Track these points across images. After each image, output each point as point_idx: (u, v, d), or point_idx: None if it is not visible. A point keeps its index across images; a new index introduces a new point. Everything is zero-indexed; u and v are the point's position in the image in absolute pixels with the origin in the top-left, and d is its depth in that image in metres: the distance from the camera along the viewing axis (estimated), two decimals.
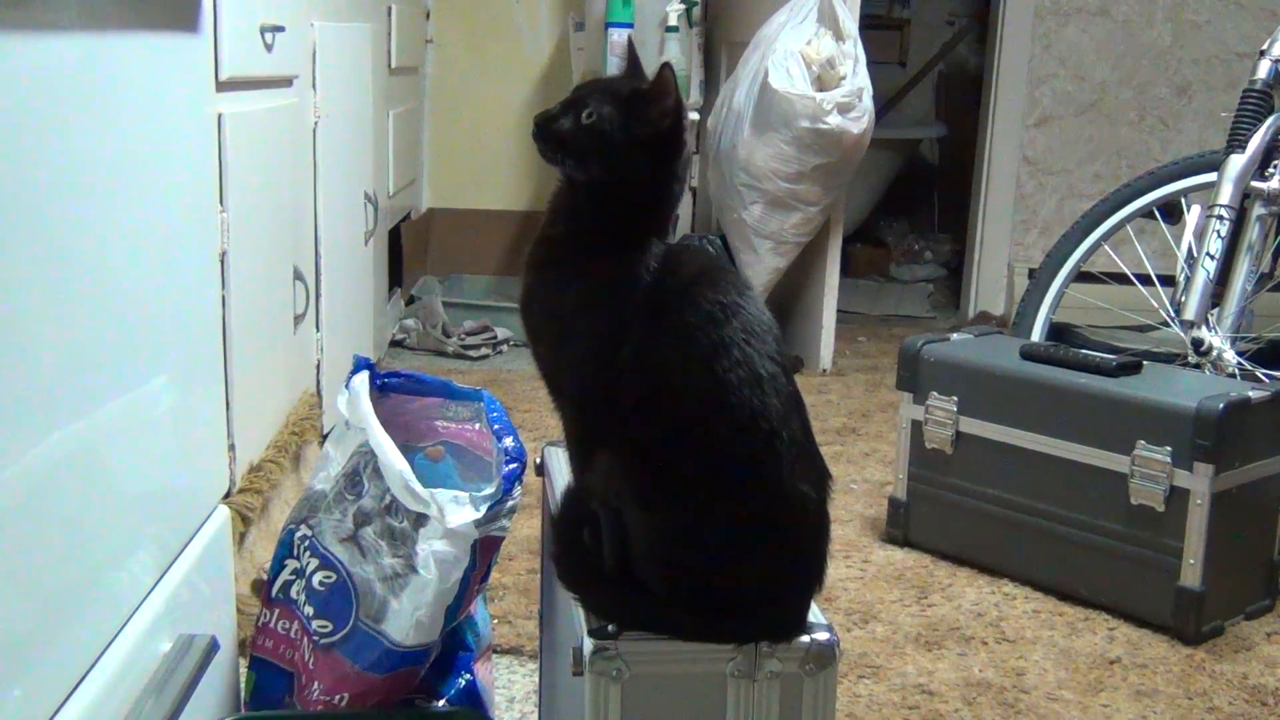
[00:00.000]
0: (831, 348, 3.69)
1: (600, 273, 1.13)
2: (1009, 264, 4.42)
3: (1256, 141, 2.37)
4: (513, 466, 1.34)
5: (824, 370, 3.67)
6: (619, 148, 1.13)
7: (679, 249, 1.17)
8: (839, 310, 3.77)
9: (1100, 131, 4.38)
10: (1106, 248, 2.71)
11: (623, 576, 1.13)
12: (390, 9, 3.39)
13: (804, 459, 1.12)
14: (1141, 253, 2.76)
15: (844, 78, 3.35)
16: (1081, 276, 2.76)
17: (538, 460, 1.44)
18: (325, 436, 2.09)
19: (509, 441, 1.39)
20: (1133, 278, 2.74)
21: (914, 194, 5.62)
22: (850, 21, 3.39)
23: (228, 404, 1.77)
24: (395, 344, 3.68)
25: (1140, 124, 4.37)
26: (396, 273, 3.68)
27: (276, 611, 1.46)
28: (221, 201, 1.76)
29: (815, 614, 1.14)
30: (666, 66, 1.14)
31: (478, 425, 1.51)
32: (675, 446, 1.08)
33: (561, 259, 1.17)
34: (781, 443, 1.09)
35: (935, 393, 2.33)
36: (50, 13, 1.01)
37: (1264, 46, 2.49)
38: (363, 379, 1.49)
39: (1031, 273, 2.86)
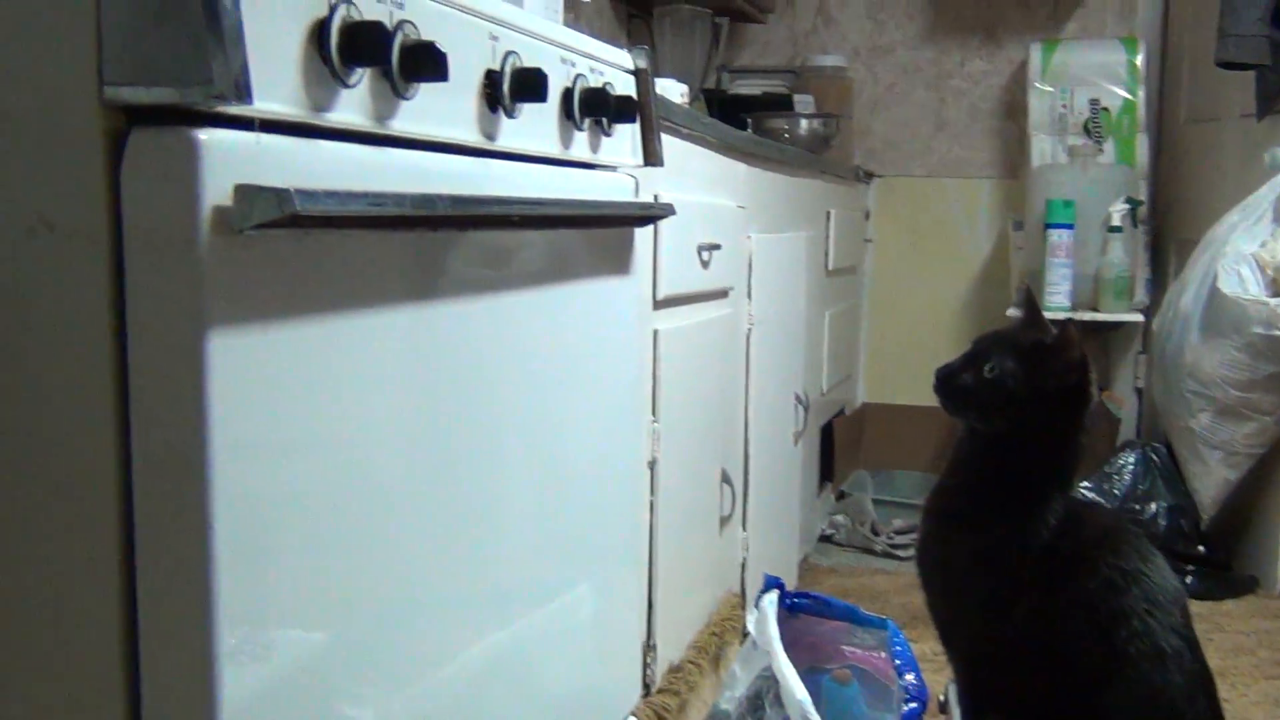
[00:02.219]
0: None
1: (997, 530, 1.11)
2: None
3: None
4: (912, 706, 1.33)
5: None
6: (1022, 402, 1.12)
7: (1081, 506, 1.14)
8: None
9: None
10: None
11: None
12: (829, 214, 3.50)
13: None
14: None
15: None
16: None
17: (942, 697, 1.42)
18: (746, 634, 2.13)
19: (910, 678, 1.38)
20: None
21: None
22: None
23: (650, 605, 1.85)
24: (824, 539, 3.70)
25: None
26: (828, 467, 3.72)
27: None
28: (654, 412, 1.86)
29: None
30: (1070, 323, 1.13)
31: (883, 653, 1.51)
32: (1067, 718, 1.04)
33: (959, 511, 1.17)
34: None
35: None
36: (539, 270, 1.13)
37: None
38: (772, 599, 1.53)
39: None
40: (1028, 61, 4.08)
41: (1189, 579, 3.30)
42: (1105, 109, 3.98)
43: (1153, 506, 3.43)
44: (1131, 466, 3.48)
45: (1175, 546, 3.35)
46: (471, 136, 1.09)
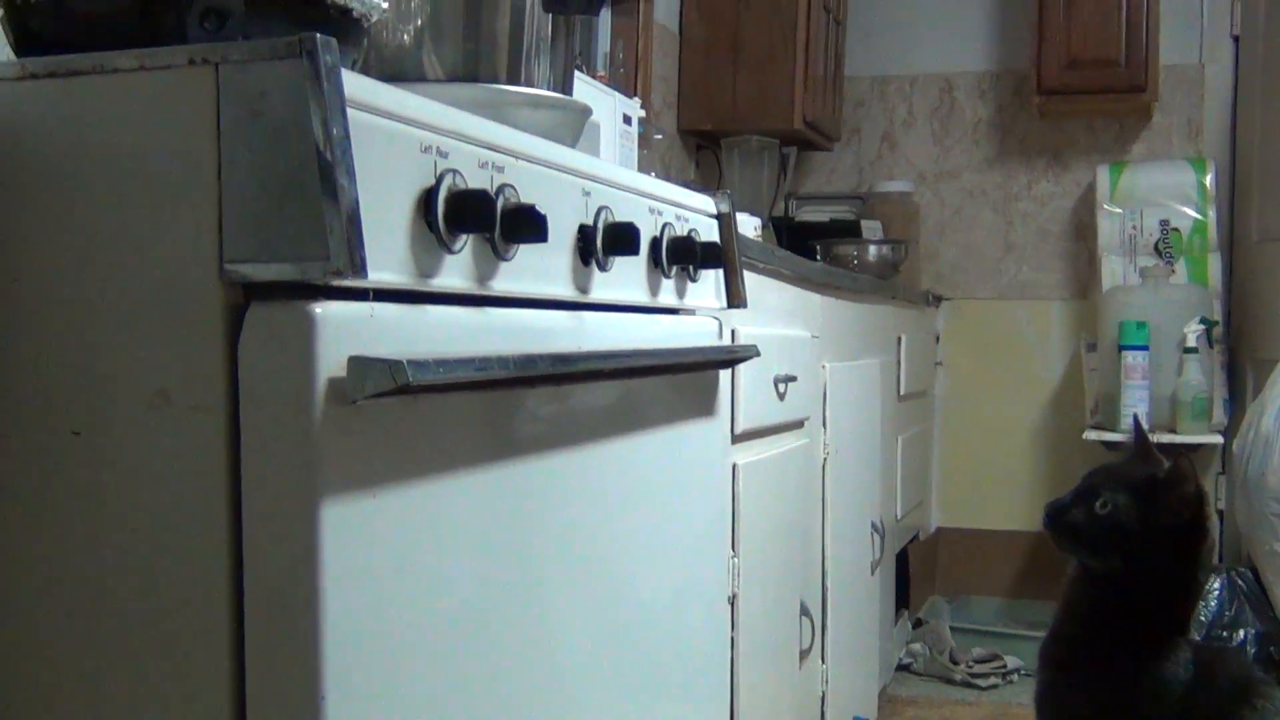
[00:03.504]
0: None
1: (1125, 679, 1.09)
2: None
3: None
4: None
5: None
6: (1136, 539, 1.10)
7: (1207, 652, 1.11)
8: None
9: None
10: None
11: None
12: (900, 339, 3.50)
13: None
14: None
15: None
16: None
17: None
18: None
19: None
20: None
21: None
22: None
23: None
24: (901, 668, 3.64)
25: None
26: (903, 594, 3.67)
27: None
28: (733, 546, 1.86)
29: None
30: (1185, 458, 1.11)
31: None
32: None
33: (1079, 660, 1.14)
34: None
35: None
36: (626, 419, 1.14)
37: None
38: None
39: None
40: (1095, 184, 4.08)
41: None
42: (1176, 229, 3.97)
43: (1240, 633, 3.35)
44: (1217, 592, 3.41)
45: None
46: (566, 291, 1.11)
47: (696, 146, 3.97)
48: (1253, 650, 3.31)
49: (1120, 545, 1.09)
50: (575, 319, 1.13)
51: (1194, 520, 1.09)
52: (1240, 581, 3.42)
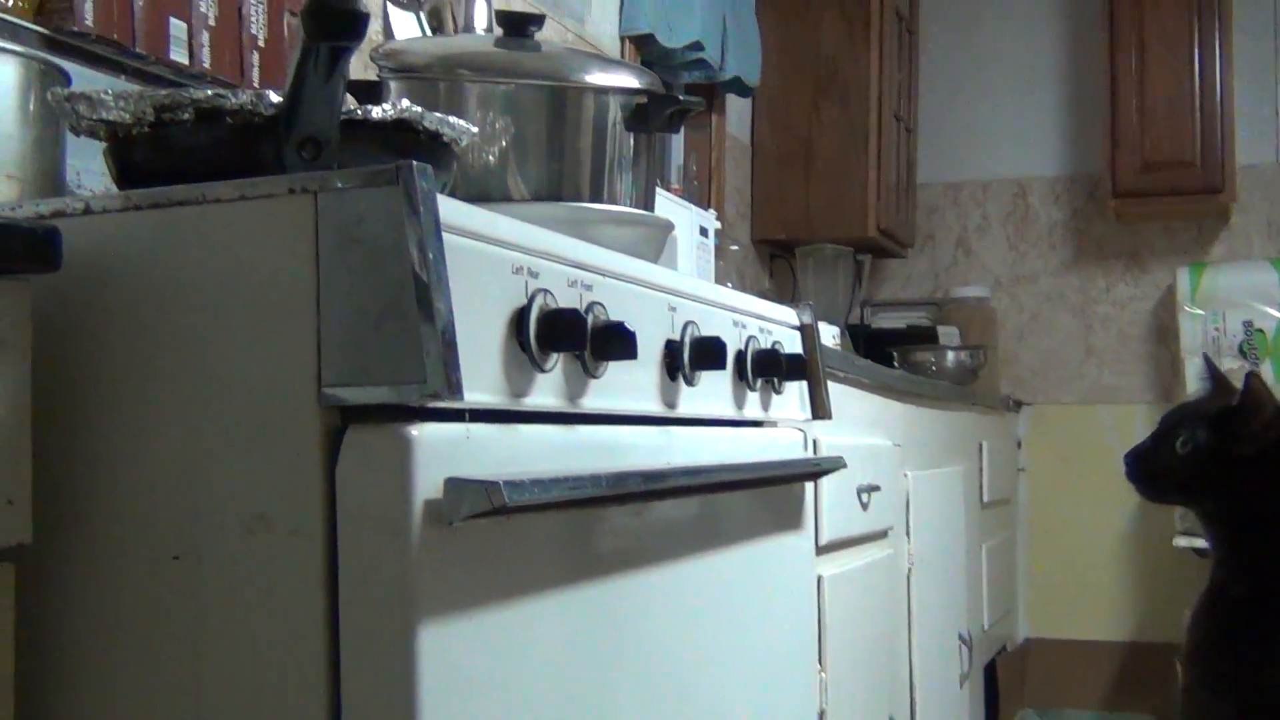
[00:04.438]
0: None
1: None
2: None
3: None
4: None
5: None
6: (1225, 472, 1.04)
7: None
8: None
9: None
10: None
11: None
12: (981, 445, 3.46)
13: None
14: None
15: None
16: None
17: None
18: None
19: None
20: None
21: None
22: None
23: None
24: None
25: None
26: (993, 708, 3.58)
27: None
28: (820, 660, 1.83)
29: None
30: (1253, 375, 1.06)
31: None
32: None
33: (1243, 630, 1.06)
34: None
35: None
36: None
37: None
38: None
39: None
40: (1175, 286, 4.04)
41: None
42: (1260, 330, 3.91)
43: None
44: None
45: None
46: (655, 407, 1.11)
47: (771, 256, 3.98)
48: None
49: (1209, 482, 1.03)
50: (664, 434, 1.13)
51: (1278, 441, 1.03)
52: None
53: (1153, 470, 1.09)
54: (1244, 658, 1.03)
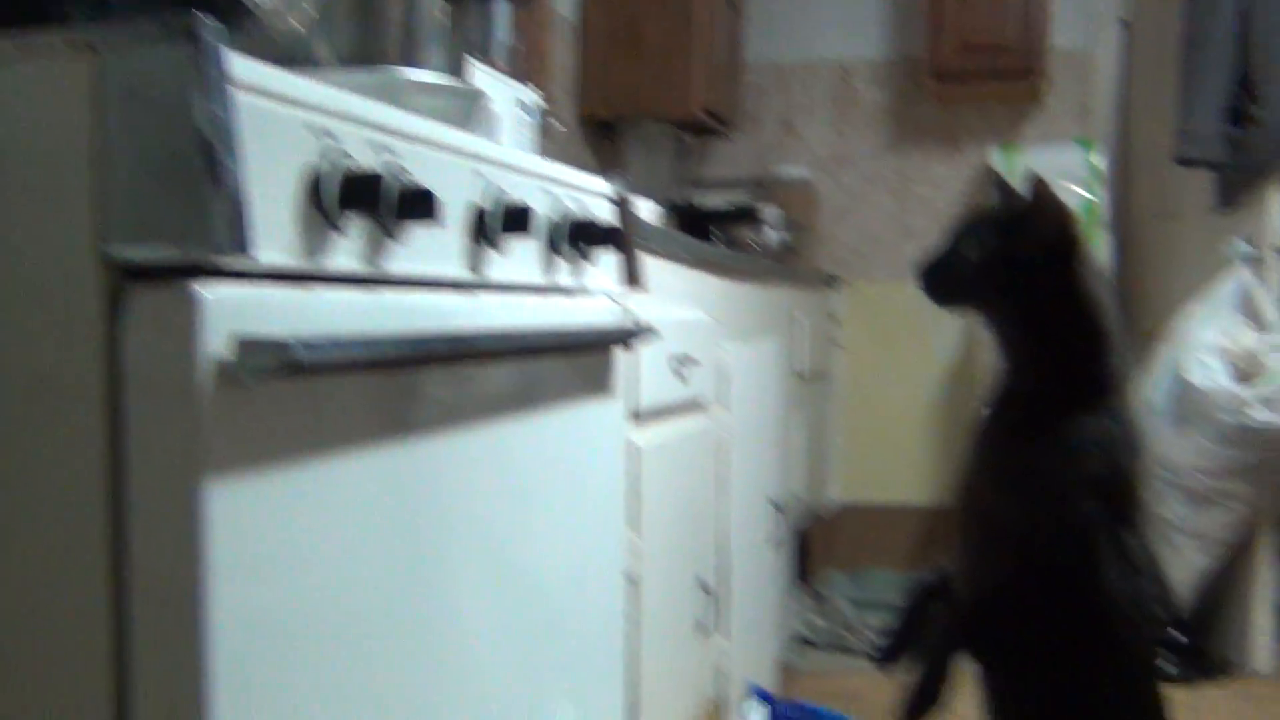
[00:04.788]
0: (1270, 648, 3.41)
1: (1077, 424, 1.07)
2: None
3: None
4: None
5: (1260, 674, 3.38)
6: (1012, 271, 1.08)
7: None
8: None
9: None
10: None
11: None
12: (800, 320, 3.55)
13: None
14: None
15: (1269, 370, 3.20)
16: None
17: None
18: None
19: None
20: None
21: None
22: (1274, 311, 3.26)
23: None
24: (801, 640, 3.69)
25: None
26: (804, 568, 3.73)
27: None
28: (633, 526, 1.88)
29: None
30: (1039, 180, 1.10)
31: None
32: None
33: (1023, 420, 1.11)
34: None
35: None
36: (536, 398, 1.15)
37: None
38: (761, 713, 1.53)
39: None
40: (989, 166, 4.17)
41: (1166, 664, 3.31)
42: None
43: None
44: None
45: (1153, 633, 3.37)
46: (459, 272, 1.12)
47: (597, 136, 3.98)
48: None
49: (998, 285, 1.08)
50: (470, 300, 1.14)
51: (1063, 238, 1.08)
52: None
53: (944, 276, 1.13)
54: (1032, 454, 1.09)
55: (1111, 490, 1.04)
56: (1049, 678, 1.05)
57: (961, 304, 1.12)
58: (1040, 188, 1.07)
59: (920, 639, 1.12)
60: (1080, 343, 1.08)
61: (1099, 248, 4.06)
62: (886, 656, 1.18)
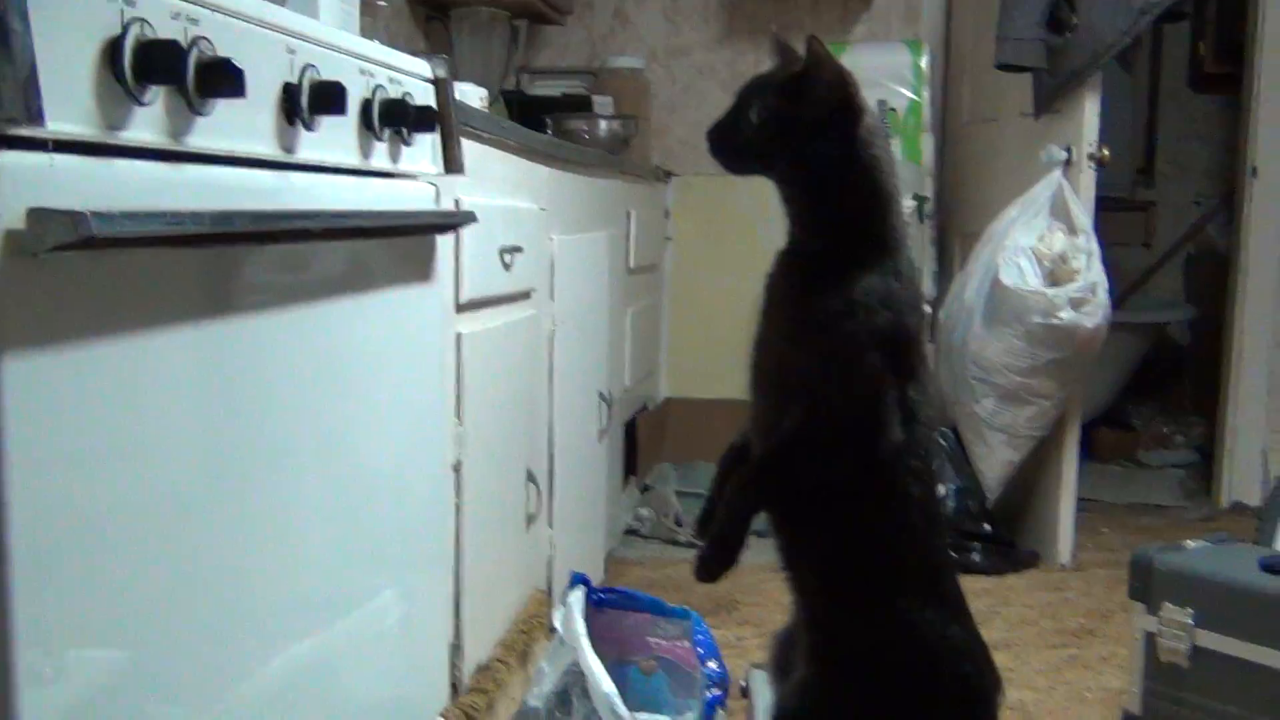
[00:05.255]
0: (1071, 540, 3.59)
1: (857, 281, 1.12)
2: (1264, 451, 4.23)
3: None
4: (715, 692, 1.38)
5: (1062, 565, 3.57)
6: (797, 135, 1.13)
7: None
8: (1082, 499, 3.67)
9: None
10: None
11: None
12: (630, 213, 3.56)
13: None
14: None
15: (1078, 272, 3.33)
16: None
17: (743, 682, 1.48)
18: (553, 631, 2.16)
19: (712, 665, 1.43)
20: None
21: (1163, 376, 5.47)
22: (1084, 215, 3.38)
23: (457, 608, 1.87)
24: (629, 532, 3.76)
25: None
26: (632, 462, 3.78)
27: None
28: (458, 415, 1.88)
29: None
30: (813, 39, 1.14)
31: (686, 643, 1.56)
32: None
33: (804, 280, 1.16)
34: None
35: (1169, 604, 2.26)
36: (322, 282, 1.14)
37: None
38: (578, 596, 1.57)
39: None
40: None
41: (976, 556, 3.47)
42: (892, 109, 4.13)
43: (941, 489, 3.59)
44: None
45: (963, 525, 3.52)
46: (270, 150, 1.09)
47: (426, 18, 3.89)
48: (952, 504, 3.56)
49: (783, 148, 1.13)
50: (281, 178, 1.12)
51: (845, 101, 1.13)
52: (942, 441, 3.65)
53: (732, 142, 1.16)
54: (819, 310, 1.14)
55: (894, 344, 1.10)
56: (838, 527, 1.11)
57: (749, 168, 1.16)
58: (815, 46, 1.11)
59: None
60: (862, 203, 1.12)
61: (924, 149, 4.15)
62: (701, 525, 1.23)
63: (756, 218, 4.41)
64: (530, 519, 2.35)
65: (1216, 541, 2.41)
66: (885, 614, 1.10)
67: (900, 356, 1.12)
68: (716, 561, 1.15)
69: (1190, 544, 2.38)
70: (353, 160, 1.28)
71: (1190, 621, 2.22)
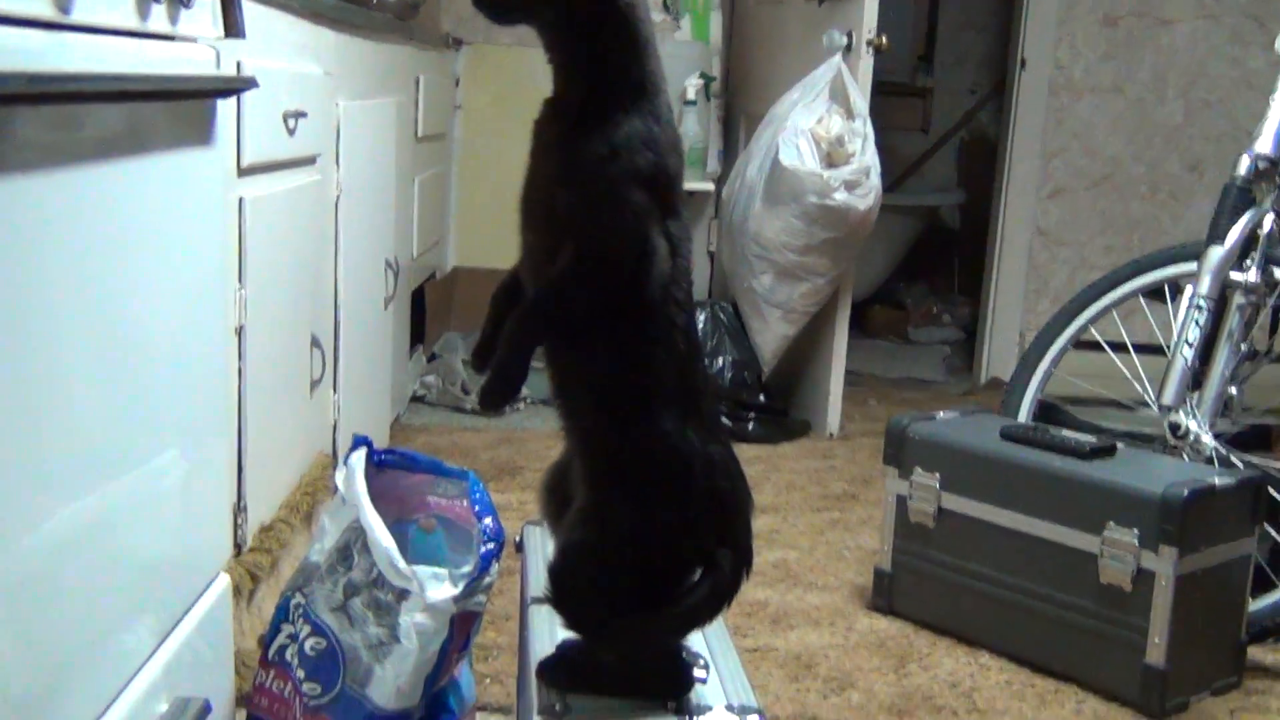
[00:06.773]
0: (839, 413, 3.79)
1: (622, 126, 1.20)
2: (1020, 332, 4.51)
3: (1235, 235, 2.46)
4: (490, 547, 1.46)
5: (830, 435, 3.77)
6: None
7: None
8: (852, 372, 3.86)
9: (1112, 205, 4.47)
10: (1115, 315, 2.77)
11: None
12: (418, 80, 3.54)
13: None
14: (1154, 325, 2.79)
15: (853, 155, 3.46)
16: (1084, 345, 2.83)
17: (517, 539, 1.55)
18: (336, 491, 2.20)
19: (488, 522, 1.50)
20: (1133, 351, 2.79)
21: (935, 257, 5.72)
22: (861, 100, 3.51)
23: (240, 469, 1.90)
24: (416, 399, 3.81)
25: (1152, 198, 4.46)
26: (419, 330, 3.81)
27: (272, 672, 1.58)
28: (240, 279, 1.89)
29: (747, 693, 1.24)
30: None
31: (465, 502, 1.63)
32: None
33: (570, 130, 1.23)
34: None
35: (919, 469, 2.43)
36: (96, 141, 1.14)
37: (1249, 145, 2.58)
38: (360, 456, 1.62)
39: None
40: None
41: (751, 425, 3.63)
42: None
43: (720, 361, 3.73)
44: (700, 324, 3.76)
45: (739, 396, 3.68)
46: (42, 9, 1.08)
47: None
48: (729, 375, 3.70)
49: None
50: (54, 38, 1.11)
51: None
52: (722, 315, 3.79)
53: None
54: (583, 151, 1.21)
55: (657, 183, 1.19)
56: (609, 354, 1.21)
57: (512, 17, 1.21)
58: None
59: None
60: (621, 49, 1.20)
61: (712, 28, 4.22)
62: (478, 356, 1.30)
63: (548, 88, 4.42)
64: (315, 384, 2.37)
65: (966, 413, 2.59)
66: (650, 430, 1.20)
67: (662, 195, 1.20)
68: (499, 393, 1.23)
69: (941, 414, 2.56)
70: (130, 22, 1.26)
71: (937, 485, 2.40)
